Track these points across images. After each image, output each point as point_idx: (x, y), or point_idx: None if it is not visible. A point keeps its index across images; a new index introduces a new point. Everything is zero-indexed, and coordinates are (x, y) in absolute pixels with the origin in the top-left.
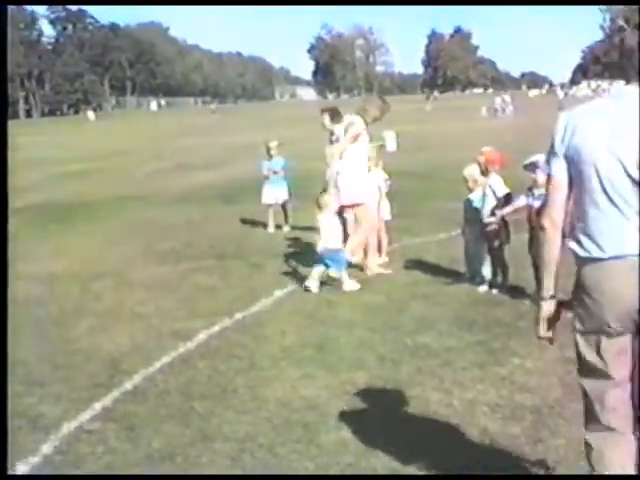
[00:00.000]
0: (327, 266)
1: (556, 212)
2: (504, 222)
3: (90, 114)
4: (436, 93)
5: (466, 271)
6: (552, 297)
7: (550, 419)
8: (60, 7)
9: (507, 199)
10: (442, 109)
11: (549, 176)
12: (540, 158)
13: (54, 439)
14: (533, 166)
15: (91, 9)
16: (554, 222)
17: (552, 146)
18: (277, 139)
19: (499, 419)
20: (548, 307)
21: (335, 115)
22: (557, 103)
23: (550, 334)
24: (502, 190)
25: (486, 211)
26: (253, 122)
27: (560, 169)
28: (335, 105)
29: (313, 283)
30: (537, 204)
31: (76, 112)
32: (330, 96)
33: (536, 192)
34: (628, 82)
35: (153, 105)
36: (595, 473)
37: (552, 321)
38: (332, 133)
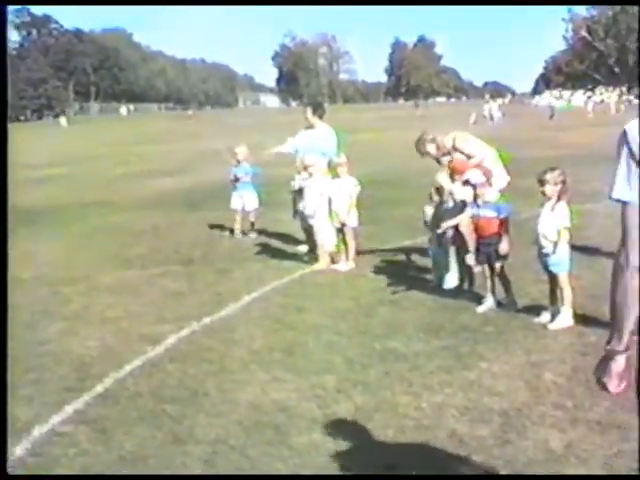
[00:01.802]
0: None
1: None
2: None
3: (62, 120)
4: (422, 101)
5: (433, 277)
6: (627, 350)
7: (517, 421)
8: (25, 12)
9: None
10: (431, 116)
11: (625, 204)
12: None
13: (26, 442)
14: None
15: (56, 15)
16: None
17: (628, 166)
18: (244, 145)
19: (467, 422)
20: (623, 361)
21: (318, 108)
22: (549, 111)
23: (623, 387)
24: (461, 196)
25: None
26: (219, 128)
27: None
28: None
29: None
30: (483, 213)
31: (39, 118)
32: (293, 103)
33: (479, 201)
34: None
35: (123, 110)
36: None
37: (625, 372)
38: (312, 126)
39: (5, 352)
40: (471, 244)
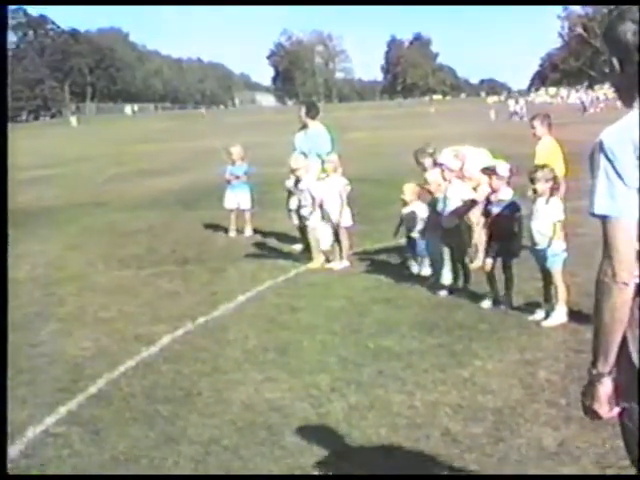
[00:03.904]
0: None
1: (633, 265)
2: (467, 227)
3: (72, 119)
4: (434, 96)
5: (431, 273)
6: (612, 372)
7: (511, 419)
8: (21, 13)
9: (470, 204)
10: (446, 113)
11: (608, 219)
12: (498, 165)
13: (19, 443)
14: (489, 171)
15: (52, 15)
16: (631, 278)
17: (608, 178)
18: (239, 144)
19: (461, 420)
20: (610, 383)
21: (311, 108)
22: (581, 105)
23: (615, 412)
24: (459, 197)
25: (445, 215)
26: (214, 128)
27: (633, 206)
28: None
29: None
30: (496, 210)
31: (36, 118)
32: (289, 102)
33: (493, 198)
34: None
35: (127, 110)
36: None
37: (612, 395)
38: (305, 126)
39: (5, 353)
40: (481, 242)
